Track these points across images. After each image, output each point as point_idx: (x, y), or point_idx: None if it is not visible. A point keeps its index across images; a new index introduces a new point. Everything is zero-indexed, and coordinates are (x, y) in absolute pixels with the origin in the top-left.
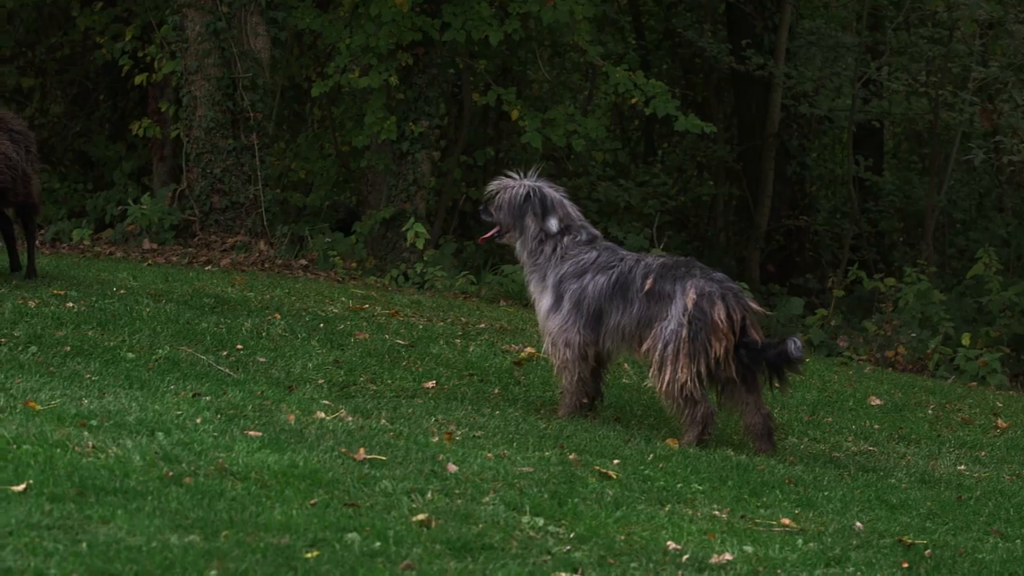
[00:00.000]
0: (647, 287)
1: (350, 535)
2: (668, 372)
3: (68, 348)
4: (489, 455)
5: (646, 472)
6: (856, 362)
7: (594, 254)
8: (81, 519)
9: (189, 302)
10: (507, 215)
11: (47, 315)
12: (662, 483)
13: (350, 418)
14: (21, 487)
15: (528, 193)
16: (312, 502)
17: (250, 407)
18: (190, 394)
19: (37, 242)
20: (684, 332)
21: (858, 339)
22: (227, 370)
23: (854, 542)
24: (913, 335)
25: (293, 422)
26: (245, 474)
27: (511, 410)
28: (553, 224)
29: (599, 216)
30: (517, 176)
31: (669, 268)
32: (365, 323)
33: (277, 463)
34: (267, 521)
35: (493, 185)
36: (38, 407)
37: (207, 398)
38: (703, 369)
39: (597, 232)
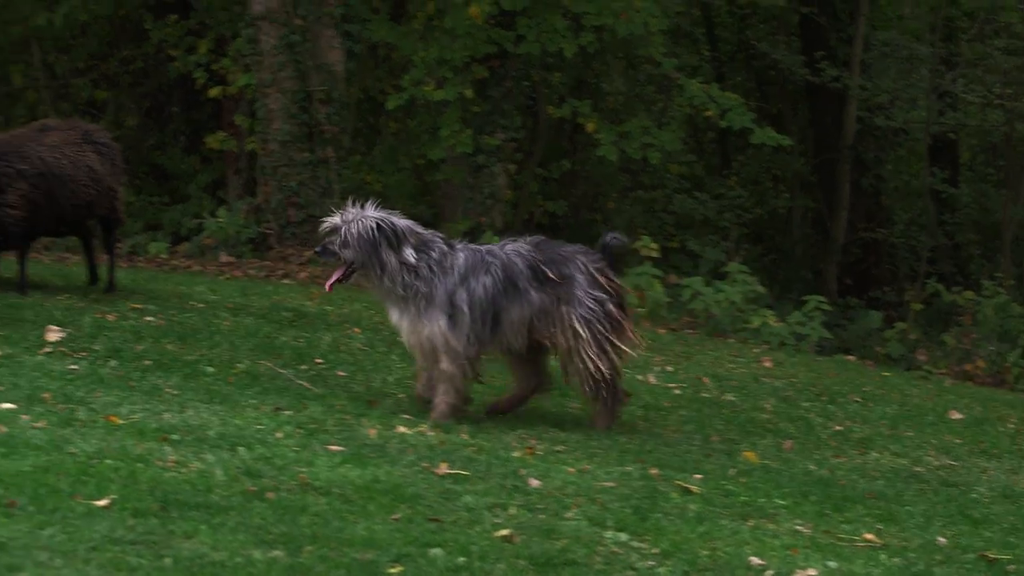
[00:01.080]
0: (552, 277)
1: (434, 550)
2: (593, 354)
3: (148, 362)
4: (571, 470)
5: (728, 487)
6: (935, 376)
7: (462, 257)
8: (164, 534)
9: (267, 316)
10: (360, 251)
11: (126, 329)
12: (744, 498)
13: (431, 432)
14: (104, 502)
15: (378, 224)
16: (395, 517)
17: (331, 421)
18: (271, 408)
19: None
20: (601, 311)
21: (937, 353)
22: (307, 384)
23: (937, 557)
24: (992, 348)
25: (374, 436)
26: (327, 489)
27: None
28: (410, 255)
29: (676, 229)
30: (353, 209)
31: (549, 252)
32: None
33: (359, 478)
34: (350, 536)
35: (331, 221)
36: (119, 421)
37: (288, 412)
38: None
39: (443, 235)
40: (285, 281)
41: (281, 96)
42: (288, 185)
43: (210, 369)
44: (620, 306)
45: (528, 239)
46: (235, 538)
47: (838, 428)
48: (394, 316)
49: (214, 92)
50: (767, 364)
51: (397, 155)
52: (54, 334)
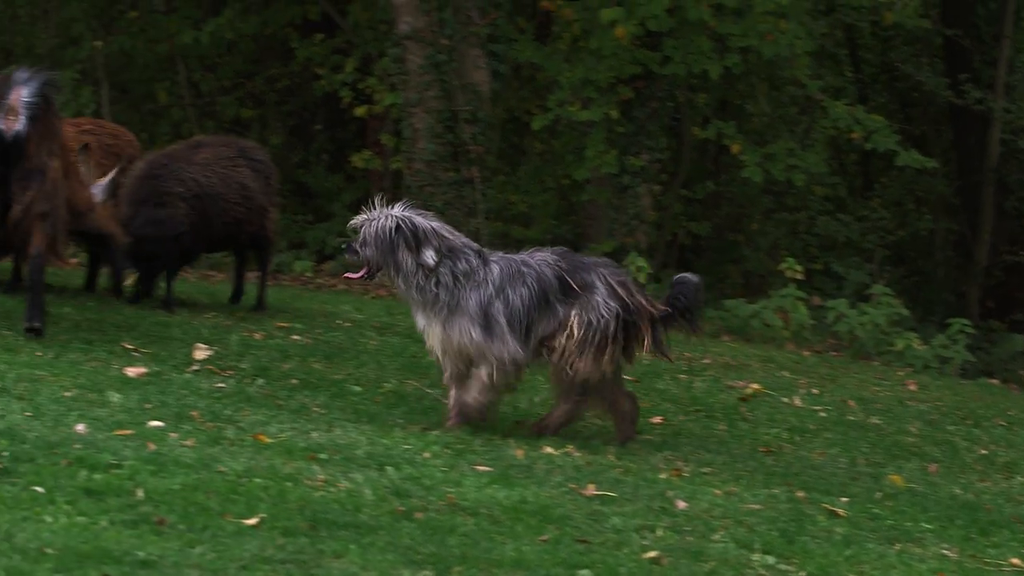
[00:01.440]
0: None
1: (582, 572)
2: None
3: (295, 381)
4: (717, 492)
5: (874, 510)
6: None
7: (496, 269)
8: (314, 553)
9: (413, 335)
10: (376, 251)
11: (273, 347)
12: (891, 521)
13: (578, 453)
14: (254, 520)
15: (398, 225)
16: (543, 538)
17: (478, 442)
18: (418, 428)
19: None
20: (607, 320)
21: None
22: None
23: None
24: None
25: (521, 457)
26: (475, 509)
27: (737, 447)
28: (429, 257)
29: (820, 250)
30: (381, 207)
31: (573, 262)
32: None
33: (507, 498)
34: (499, 557)
35: (357, 219)
36: (268, 440)
37: (435, 432)
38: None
39: (478, 246)
40: None
41: (427, 115)
42: (433, 204)
43: (357, 388)
44: (634, 323)
45: (553, 249)
46: (384, 558)
47: (983, 452)
48: (420, 322)
49: (360, 111)
50: (912, 387)
51: (542, 175)
52: (202, 352)
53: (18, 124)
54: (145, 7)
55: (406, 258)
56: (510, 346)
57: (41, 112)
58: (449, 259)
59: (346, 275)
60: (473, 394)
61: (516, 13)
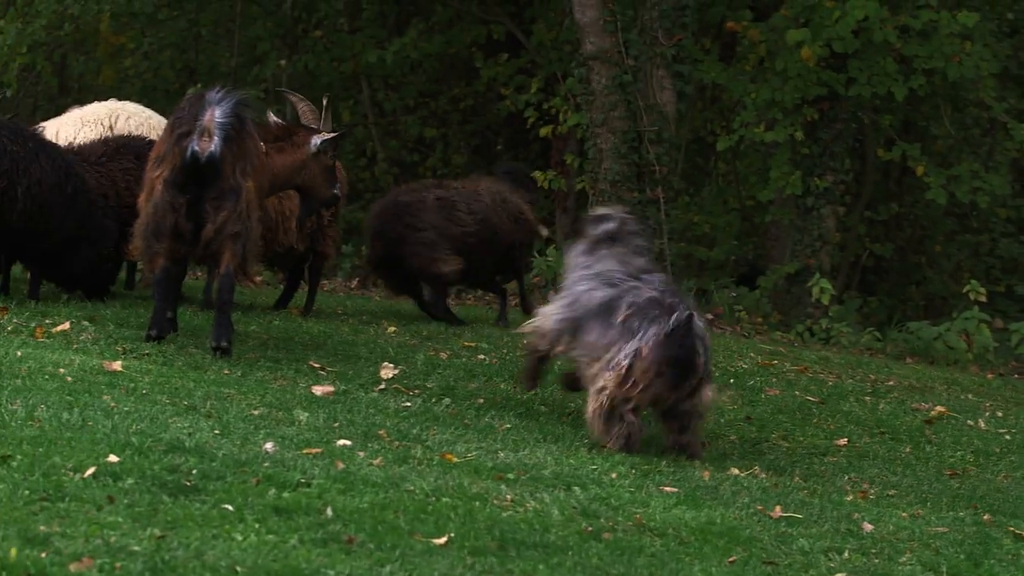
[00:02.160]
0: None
1: None
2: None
3: (481, 401)
4: (904, 515)
5: None
6: None
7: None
8: (503, 573)
9: None
10: None
11: (459, 367)
12: None
13: (764, 475)
14: (443, 540)
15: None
16: (731, 560)
17: (664, 462)
18: (603, 449)
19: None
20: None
21: None
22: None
23: None
24: None
25: (708, 478)
26: (663, 530)
27: (923, 469)
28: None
29: (1002, 273)
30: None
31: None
32: (775, 379)
33: (694, 519)
34: None
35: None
36: (455, 459)
37: (621, 453)
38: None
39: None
40: None
41: (611, 136)
42: None
43: (543, 409)
44: None
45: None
46: None
47: None
48: None
49: (544, 131)
50: None
51: (725, 196)
52: (388, 371)
53: (212, 145)
54: (330, 26)
55: None
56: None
57: (235, 133)
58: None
59: None
60: None
61: (701, 34)
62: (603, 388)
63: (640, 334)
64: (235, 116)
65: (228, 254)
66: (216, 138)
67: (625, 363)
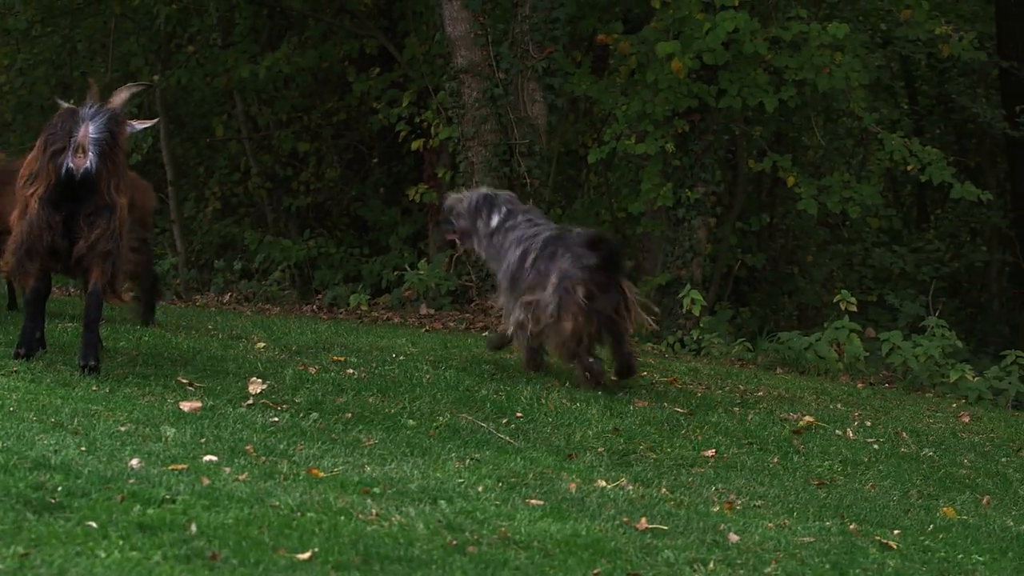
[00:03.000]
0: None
1: None
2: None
3: (349, 415)
4: (770, 525)
5: (926, 543)
6: None
7: (517, 232)
8: None
9: (468, 369)
10: (465, 221)
11: (327, 381)
12: (943, 554)
13: (631, 487)
14: (306, 555)
15: (482, 197)
16: (595, 572)
17: (531, 475)
18: (471, 461)
19: (315, 307)
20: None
21: None
22: (507, 438)
23: None
24: None
25: (574, 490)
26: (528, 543)
27: (790, 479)
28: (494, 220)
29: (874, 282)
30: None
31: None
32: (644, 391)
33: (560, 532)
34: None
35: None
36: (321, 474)
37: (488, 466)
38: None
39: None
40: (485, 333)
41: (483, 149)
42: None
43: (411, 422)
44: None
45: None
46: None
47: None
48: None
49: (416, 144)
50: (965, 419)
51: (597, 208)
52: (256, 386)
53: (87, 161)
54: (202, 42)
55: (481, 225)
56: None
57: (109, 148)
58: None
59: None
60: None
61: (573, 47)
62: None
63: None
64: (108, 131)
65: (98, 271)
66: (91, 154)
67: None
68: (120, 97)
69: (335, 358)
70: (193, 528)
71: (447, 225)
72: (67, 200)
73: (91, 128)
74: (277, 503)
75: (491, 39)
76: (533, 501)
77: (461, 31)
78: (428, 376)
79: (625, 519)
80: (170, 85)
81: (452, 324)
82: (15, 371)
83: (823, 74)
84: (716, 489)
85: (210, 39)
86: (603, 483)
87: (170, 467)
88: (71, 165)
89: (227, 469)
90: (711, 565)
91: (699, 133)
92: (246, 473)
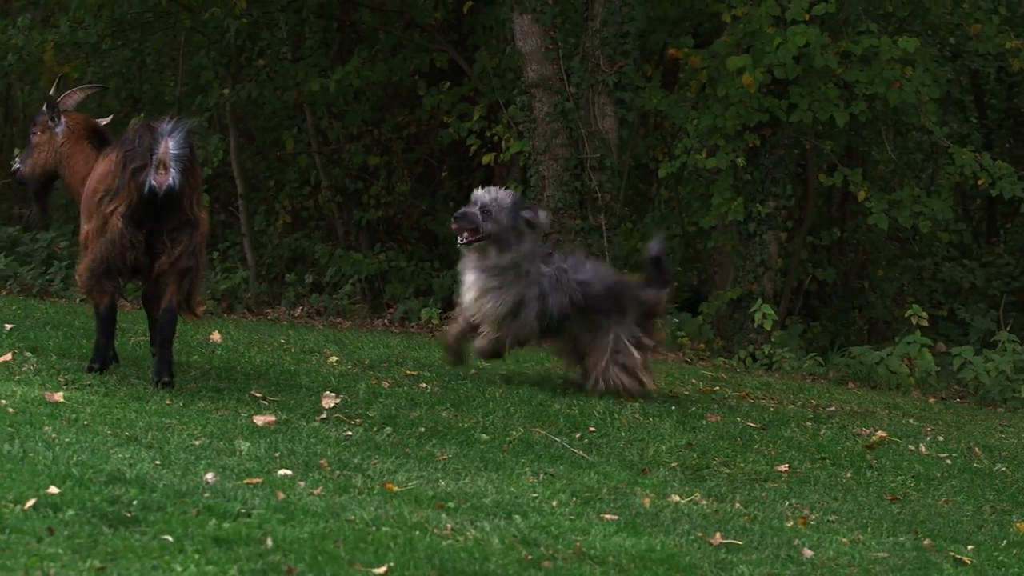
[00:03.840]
0: None
1: None
2: None
3: (423, 429)
4: (844, 540)
5: (1000, 558)
6: None
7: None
8: None
9: (540, 383)
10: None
11: (400, 395)
12: (1016, 570)
13: (704, 501)
14: (382, 569)
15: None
16: None
17: (605, 490)
18: (545, 476)
19: (386, 320)
20: None
21: None
22: (581, 452)
23: None
24: None
25: (648, 505)
26: (603, 558)
27: (863, 495)
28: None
29: (945, 297)
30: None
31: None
32: (716, 405)
33: (634, 547)
34: None
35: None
36: (395, 489)
37: (562, 481)
38: None
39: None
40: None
41: (554, 163)
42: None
43: (484, 437)
44: None
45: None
46: None
47: None
48: None
49: (486, 159)
50: None
51: (668, 222)
52: (330, 400)
53: (170, 178)
54: (273, 55)
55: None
56: None
57: (189, 164)
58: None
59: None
60: None
61: (643, 61)
62: None
63: None
64: (188, 146)
65: (174, 287)
66: (173, 170)
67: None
68: (73, 98)
69: (408, 372)
70: (269, 542)
71: (465, 222)
72: (149, 217)
73: (171, 144)
74: (352, 517)
75: (562, 53)
76: (608, 516)
77: (532, 45)
78: (501, 390)
79: (699, 534)
80: (240, 99)
81: None
82: (89, 384)
83: (893, 88)
84: (790, 504)
85: (280, 52)
86: (677, 498)
87: (245, 481)
88: (154, 182)
89: (302, 483)
90: None
91: (770, 147)
92: (321, 487)
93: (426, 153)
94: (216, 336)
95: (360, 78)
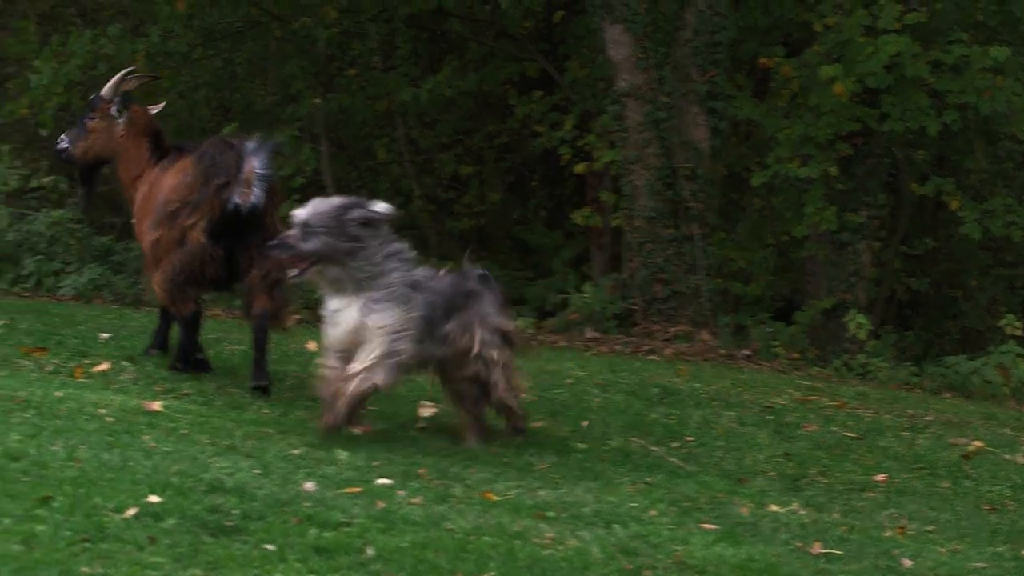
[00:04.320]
0: None
1: None
2: None
3: (521, 439)
4: (943, 550)
5: None
6: None
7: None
8: None
9: (636, 392)
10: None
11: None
12: None
13: (803, 511)
14: None
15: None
16: None
17: (703, 499)
18: (643, 486)
19: None
20: None
21: None
22: (679, 462)
23: None
24: None
25: (747, 515)
26: (703, 568)
27: (961, 504)
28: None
29: None
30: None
31: None
32: (812, 415)
33: (734, 556)
34: None
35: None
36: (495, 498)
37: (660, 490)
38: None
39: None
40: (651, 357)
41: (646, 172)
42: (654, 261)
43: (582, 446)
44: None
45: None
46: None
47: None
48: None
49: (579, 168)
50: None
51: (760, 232)
52: (427, 410)
53: (254, 196)
54: (363, 65)
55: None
56: None
57: (272, 183)
58: None
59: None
60: None
61: (734, 70)
62: None
63: None
64: (272, 166)
65: (266, 297)
66: (257, 189)
67: None
68: (128, 85)
69: None
70: (370, 551)
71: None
72: (228, 233)
73: (256, 163)
74: (452, 527)
75: (653, 62)
76: (707, 525)
77: (623, 54)
78: (597, 400)
79: (798, 544)
80: (332, 108)
81: (618, 348)
82: (187, 394)
83: (984, 97)
84: (888, 514)
85: (371, 62)
86: (776, 508)
87: (345, 490)
88: (239, 200)
89: (401, 492)
90: None
91: (862, 156)
92: (420, 496)
93: (518, 162)
94: (312, 345)
95: (451, 87)
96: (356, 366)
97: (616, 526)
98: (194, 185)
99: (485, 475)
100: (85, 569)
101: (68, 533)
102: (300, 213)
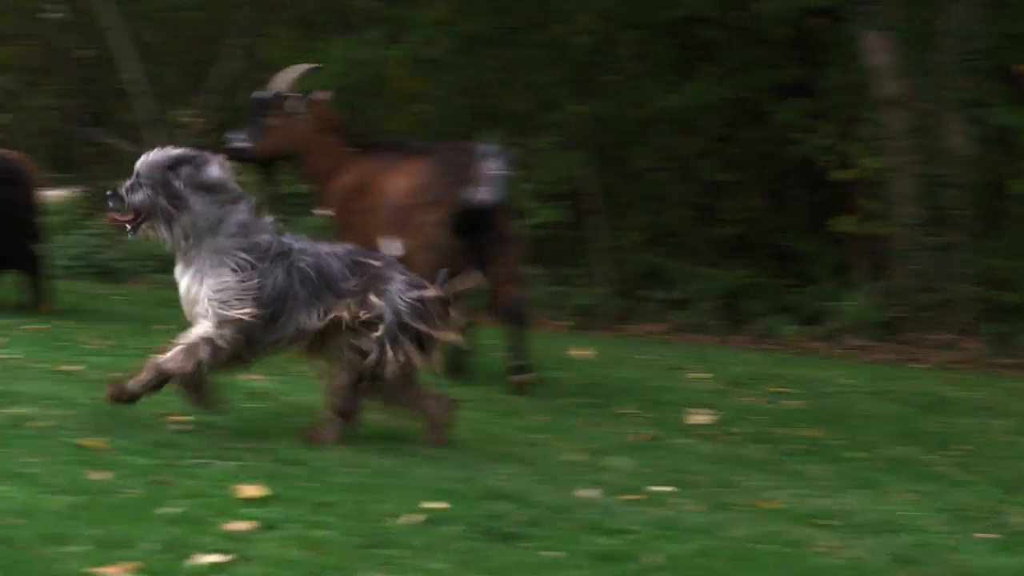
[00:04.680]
0: None
1: None
2: None
3: (792, 446)
4: None
5: None
6: None
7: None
8: None
9: (906, 400)
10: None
11: (767, 412)
12: None
13: None
14: None
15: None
16: None
17: (979, 509)
18: (917, 494)
19: (745, 337)
20: None
21: None
22: (953, 470)
23: None
24: None
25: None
26: None
27: None
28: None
29: None
30: None
31: None
32: None
33: (1018, 567)
34: None
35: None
36: (768, 505)
37: (935, 499)
38: None
39: None
40: (918, 365)
41: (908, 180)
42: (918, 269)
43: (854, 454)
44: None
45: None
46: None
47: None
48: None
49: (838, 175)
50: None
51: (1022, 240)
52: (698, 416)
53: (493, 195)
54: (621, 71)
55: None
56: None
57: (507, 185)
58: None
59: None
60: None
61: (993, 77)
62: None
63: None
64: (509, 170)
65: (514, 288)
66: (494, 188)
67: None
68: (292, 75)
69: (772, 389)
70: (657, 559)
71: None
72: (465, 231)
73: (495, 164)
74: (731, 534)
75: (913, 70)
76: (983, 535)
77: (882, 62)
78: (867, 407)
79: None
80: (591, 115)
81: (883, 356)
82: (459, 400)
83: None
84: None
85: (628, 69)
86: None
87: (623, 497)
88: (480, 198)
89: (679, 500)
90: None
91: None
92: (698, 504)
93: (778, 169)
94: (583, 352)
95: (710, 94)
96: (180, 340)
97: (892, 535)
98: (431, 186)
99: (758, 483)
100: (371, 575)
101: (354, 538)
102: (138, 163)
